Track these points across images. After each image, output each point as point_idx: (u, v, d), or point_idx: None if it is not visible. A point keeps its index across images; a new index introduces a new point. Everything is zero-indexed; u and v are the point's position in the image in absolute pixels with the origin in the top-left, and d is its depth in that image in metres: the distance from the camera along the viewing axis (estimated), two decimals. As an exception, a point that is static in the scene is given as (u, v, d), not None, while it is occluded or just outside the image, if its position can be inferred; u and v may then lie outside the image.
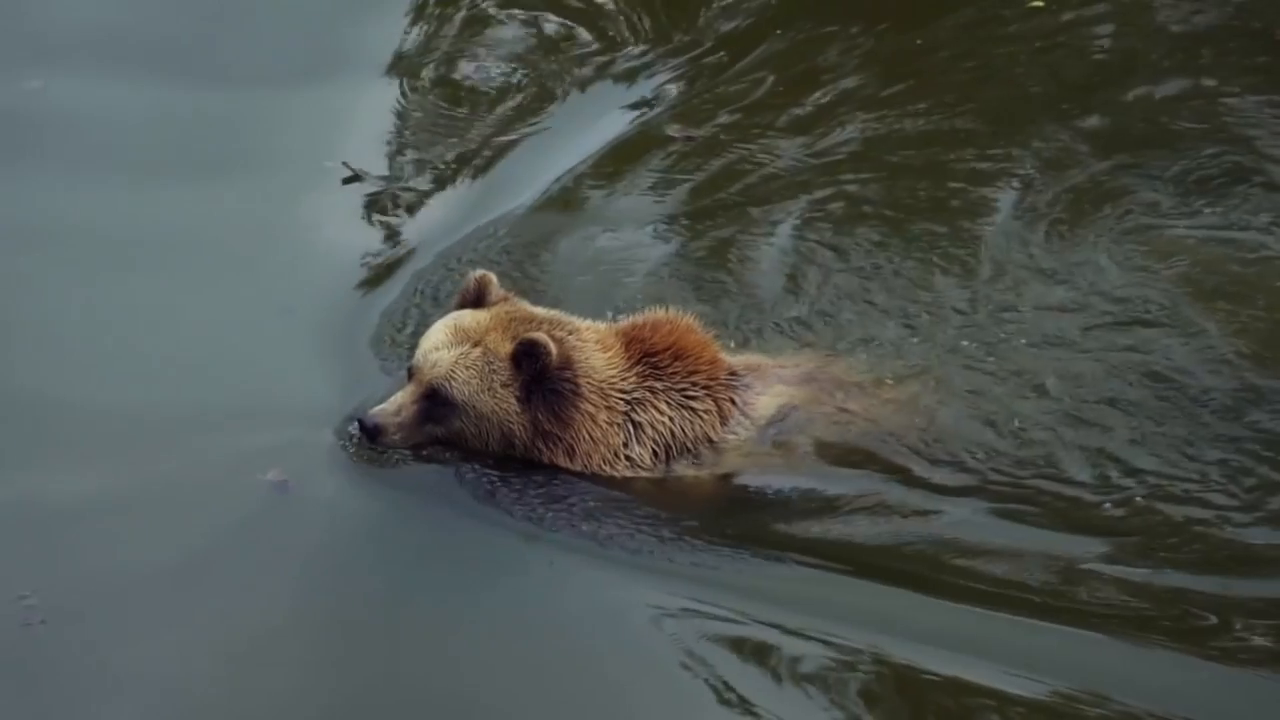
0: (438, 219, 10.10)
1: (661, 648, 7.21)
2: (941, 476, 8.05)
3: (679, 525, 7.82)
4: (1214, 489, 7.87)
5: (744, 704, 6.95)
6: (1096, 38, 11.64)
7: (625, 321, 8.31)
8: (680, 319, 8.25)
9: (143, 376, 8.69)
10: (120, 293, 9.24)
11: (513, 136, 11.00)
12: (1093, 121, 10.75)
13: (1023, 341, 8.78)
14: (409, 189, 10.43)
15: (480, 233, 9.88)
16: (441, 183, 10.52)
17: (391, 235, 9.93)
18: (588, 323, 8.22)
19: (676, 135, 10.83)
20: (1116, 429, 8.19)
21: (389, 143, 10.85)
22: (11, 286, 9.30)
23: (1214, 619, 7.25)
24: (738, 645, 7.21)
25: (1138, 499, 7.85)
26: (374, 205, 10.26)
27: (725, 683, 7.03)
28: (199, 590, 7.42)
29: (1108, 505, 7.85)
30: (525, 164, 10.68)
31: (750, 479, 8.07)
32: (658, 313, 8.30)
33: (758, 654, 7.16)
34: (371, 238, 9.84)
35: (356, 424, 7.98)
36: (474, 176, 10.59)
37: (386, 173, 10.56)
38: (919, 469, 8.08)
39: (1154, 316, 8.90)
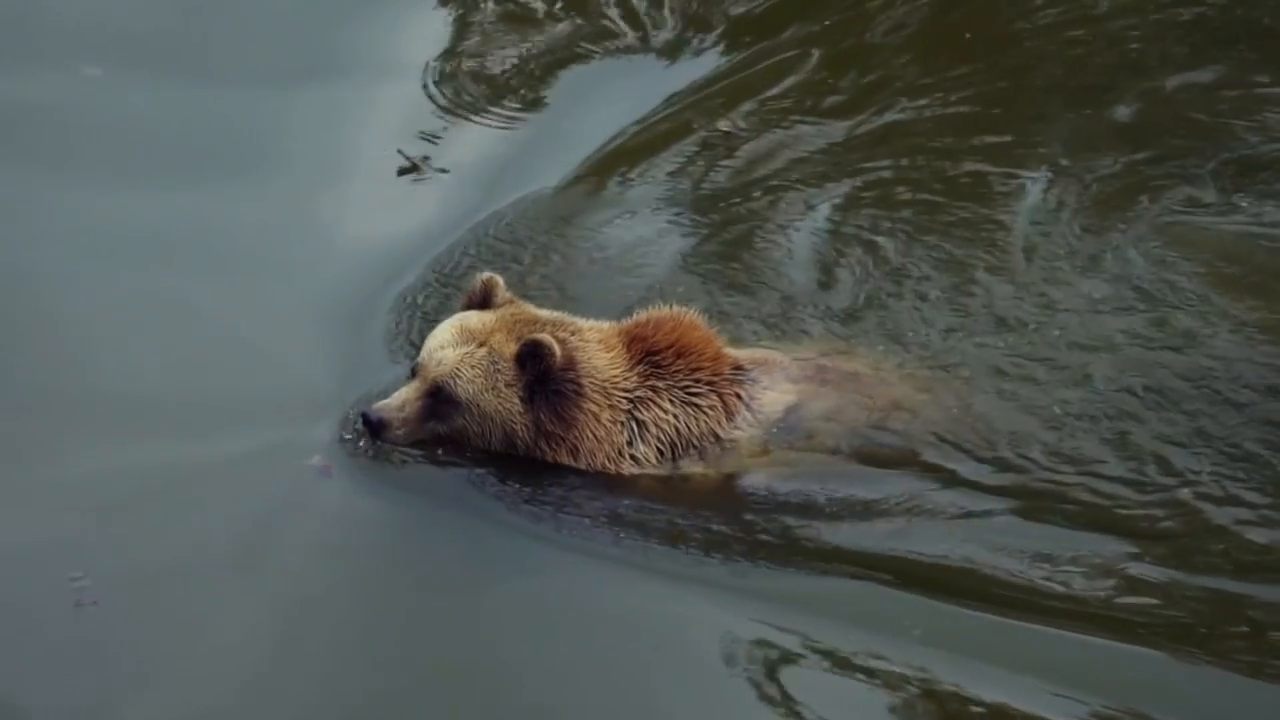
0: (452, 211, 10.08)
1: (680, 648, 7.27)
2: (963, 471, 8.01)
3: (690, 523, 7.85)
4: (1252, 488, 7.77)
5: (760, 704, 7.00)
6: (1134, 28, 11.44)
7: (628, 320, 8.31)
8: (683, 316, 8.24)
9: (185, 368, 8.80)
10: (155, 289, 9.31)
11: (529, 127, 11.00)
12: (1130, 112, 10.62)
13: (1055, 333, 8.68)
14: (431, 179, 10.44)
15: (495, 224, 9.88)
16: (462, 171, 10.53)
17: (412, 227, 9.91)
18: (591, 323, 8.25)
19: (722, 130, 10.81)
20: (1150, 423, 8.09)
21: (408, 135, 10.80)
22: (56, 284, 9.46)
23: (1247, 628, 7.18)
24: (751, 645, 7.25)
25: (1174, 500, 7.78)
26: (394, 197, 10.29)
27: (744, 684, 7.08)
28: (244, 575, 7.57)
29: (1142, 506, 7.78)
30: (546, 151, 10.68)
31: (758, 474, 8.06)
32: (661, 310, 8.30)
33: (769, 654, 7.19)
34: (394, 230, 9.84)
35: (360, 418, 8.06)
36: (494, 166, 10.59)
37: (408, 164, 10.56)
38: (938, 463, 8.03)
39: (1185, 309, 8.77)
